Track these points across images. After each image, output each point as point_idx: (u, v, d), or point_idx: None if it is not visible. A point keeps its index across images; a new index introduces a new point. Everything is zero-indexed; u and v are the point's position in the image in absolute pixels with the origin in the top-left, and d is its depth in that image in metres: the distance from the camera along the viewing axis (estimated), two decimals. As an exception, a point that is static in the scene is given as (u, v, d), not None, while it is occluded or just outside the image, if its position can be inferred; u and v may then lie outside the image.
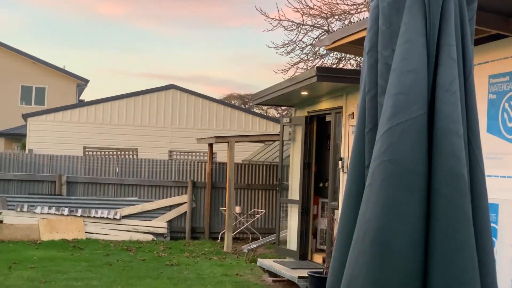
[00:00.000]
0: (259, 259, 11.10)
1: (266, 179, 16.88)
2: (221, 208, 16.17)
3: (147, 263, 12.06)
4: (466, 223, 2.04)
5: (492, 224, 6.68)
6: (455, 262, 2.02)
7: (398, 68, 2.13)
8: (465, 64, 2.21)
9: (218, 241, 15.66)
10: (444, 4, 2.12)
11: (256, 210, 16.34)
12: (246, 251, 12.85)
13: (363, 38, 8.22)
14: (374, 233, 2.05)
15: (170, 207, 16.36)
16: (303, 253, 10.80)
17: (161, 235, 15.80)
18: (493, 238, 6.55)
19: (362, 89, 2.31)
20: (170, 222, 16.16)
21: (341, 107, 9.75)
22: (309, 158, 10.87)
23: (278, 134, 15.16)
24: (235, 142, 14.56)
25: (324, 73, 8.96)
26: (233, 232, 14.75)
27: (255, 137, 16.72)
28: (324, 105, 10.37)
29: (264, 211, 16.30)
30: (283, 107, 37.65)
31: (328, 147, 11.03)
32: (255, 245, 12.92)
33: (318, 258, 10.64)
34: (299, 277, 9.30)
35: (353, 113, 9.31)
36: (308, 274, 9.02)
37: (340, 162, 9.57)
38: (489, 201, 6.64)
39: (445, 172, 2.06)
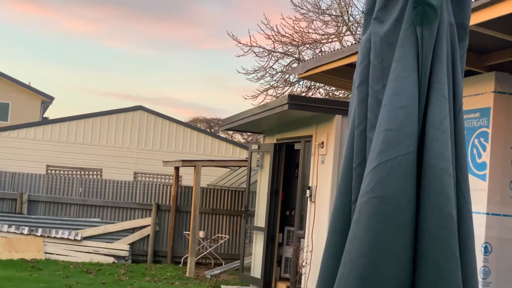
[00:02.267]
0: (222, 286, 10.98)
1: (231, 204, 16.79)
2: (184, 232, 16.01)
3: (108, 286, 11.84)
4: (454, 264, 2.00)
5: None
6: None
7: (389, 104, 2.10)
8: (455, 101, 2.19)
9: (181, 265, 15.48)
10: (437, 41, 2.10)
11: (220, 235, 16.21)
12: (209, 276, 12.71)
13: (335, 69, 8.28)
14: (360, 271, 2.00)
15: (133, 230, 16.14)
16: (267, 281, 10.72)
17: (123, 257, 15.56)
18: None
19: (351, 122, 2.27)
20: (132, 244, 15.93)
21: (311, 136, 9.75)
22: (276, 186, 10.83)
23: (245, 160, 15.13)
24: (202, 166, 14.47)
25: (296, 101, 8.96)
26: (196, 257, 14.60)
27: (222, 162, 16.65)
28: (294, 133, 10.36)
29: (228, 236, 16.18)
30: (249, 133, 37.76)
31: (296, 175, 11.01)
32: (218, 271, 12.79)
33: (282, 287, 10.56)
34: (263, 305, 9.21)
35: (322, 142, 9.32)
36: (272, 303, 8.94)
37: (308, 191, 9.55)
38: None
39: (434, 212, 2.03)
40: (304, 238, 9.67)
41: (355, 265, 2.01)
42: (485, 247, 6.53)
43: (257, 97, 16.52)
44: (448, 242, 2.03)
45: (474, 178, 6.62)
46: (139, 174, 18.98)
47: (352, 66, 8.16)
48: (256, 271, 11.09)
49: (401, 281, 2.00)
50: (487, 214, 6.71)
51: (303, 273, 9.15)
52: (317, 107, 9.03)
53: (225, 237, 16.01)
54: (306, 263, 9.08)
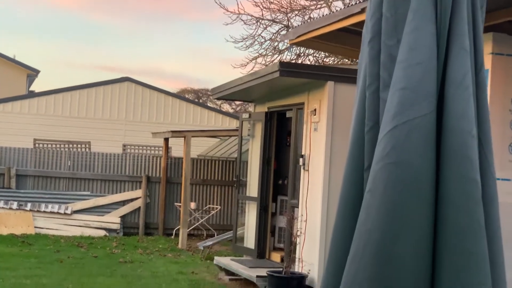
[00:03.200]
0: (215, 257, 10.84)
1: (222, 174, 16.62)
2: (176, 203, 15.85)
3: (100, 260, 11.69)
4: (479, 233, 1.82)
5: None
6: (468, 277, 1.80)
7: (404, 60, 1.90)
8: (477, 55, 1.99)
9: (173, 237, 15.34)
10: (457, -11, 1.91)
11: (211, 206, 16.07)
12: (202, 248, 12.58)
13: (327, 34, 8.05)
14: (376, 245, 1.82)
15: (124, 202, 15.97)
16: (260, 252, 10.58)
17: (114, 230, 15.41)
18: None
19: (361, 82, 2.08)
20: (123, 217, 15.78)
21: (302, 103, 9.54)
22: (268, 155, 10.65)
23: (236, 130, 14.92)
24: (192, 136, 14.26)
25: (287, 68, 8.74)
26: (188, 228, 14.45)
27: (212, 132, 16.44)
28: (285, 101, 10.15)
29: (220, 207, 16.04)
30: (238, 102, 37.41)
31: (288, 144, 10.82)
32: (210, 242, 12.65)
33: (276, 257, 10.43)
34: (257, 276, 9.07)
35: (315, 109, 9.12)
36: (267, 274, 8.80)
37: (301, 159, 9.37)
38: None
39: (456, 177, 1.85)
40: (297, 207, 9.52)
41: (372, 239, 1.83)
42: None
43: (246, 65, 16.30)
44: (473, 210, 1.85)
45: None
46: (128, 146, 18.74)
47: (344, 30, 7.94)
48: (250, 241, 10.95)
49: (422, 254, 1.82)
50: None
51: (297, 242, 9.01)
52: (308, 74, 8.82)
53: (216, 208, 15.86)
54: (300, 232, 8.93)
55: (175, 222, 15.85)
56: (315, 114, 9.12)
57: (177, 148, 17.69)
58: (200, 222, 15.52)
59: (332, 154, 8.85)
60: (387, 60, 1.96)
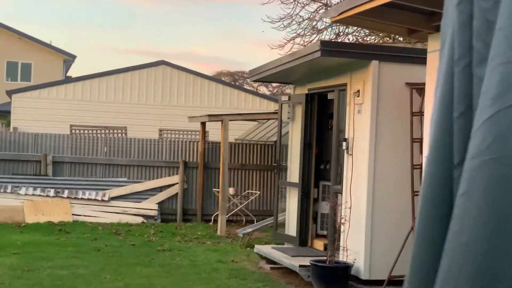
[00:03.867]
0: (256, 246, 10.49)
1: (260, 159, 16.25)
2: (213, 189, 15.55)
3: (137, 248, 11.44)
4: None
5: None
6: None
7: (506, 27, 1.48)
8: None
9: (211, 223, 15.05)
10: None
11: (250, 191, 15.72)
12: (242, 235, 12.25)
13: (372, 9, 7.57)
14: (478, 262, 1.42)
15: (161, 188, 15.71)
16: (303, 239, 10.21)
17: (152, 217, 15.17)
18: None
19: (447, 55, 1.66)
20: (160, 203, 15.52)
21: (345, 84, 9.10)
22: (309, 138, 10.24)
23: (274, 113, 14.52)
24: (229, 120, 13.90)
25: (329, 47, 8.30)
26: (226, 215, 14.13)
27: (250, 116, 16.04)
28: (327, 82, 9.72)
29: (259, 192, 15.67)
30: (274, 84, 36.95)
31: (330, 127, 10.40)
32: (250, 229, 12.31)
33: (319, 245, 10.05)
34: (300, 266, 8.70)
35: (358, 90, 8.67)
36: (311, 263, 8.43)
37: (344, 143, 8.94)
38: None
39: None
40: (341, 193, 9.11)
41: (470, 255, 1.43)
42: None
43: (284, 46, 15.83)
44: None
45: None
46: (164, 131, 18.47)
47: (390, 5, 7.46)
48: (291, 228, 10.58)
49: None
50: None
51: (342, 230, 8.60)
52: (351, 53, 8.37)
53: (255, 193, 15.50)
54: (345, 220, 8.52)
55: (213, 208, 15.55)
56: (358, 96, 8.67)
57: (214, 132, 17.36)
58: (239, 208, 15.19)
59: (378, 137, 8.42)
60: (483, 27, 1.55)
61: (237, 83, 37.26)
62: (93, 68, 71.08)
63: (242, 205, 15.22)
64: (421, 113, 8.37)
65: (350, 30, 14.93)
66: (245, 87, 32.31)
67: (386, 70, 8.44)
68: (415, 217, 8.28)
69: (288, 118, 10.87)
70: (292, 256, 9.36)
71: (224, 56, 70.16)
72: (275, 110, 16.74)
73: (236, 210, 15.16)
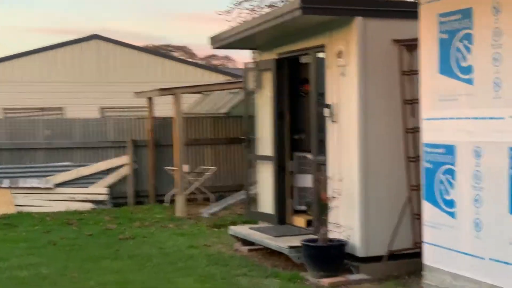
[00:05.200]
0: (231, 227, 9.66)
1: (212, 133, 15.36)
2: (166, 168, 14.59)
3: (96, 238, 10.46)
4: None
5: (449, 166, 6.39)
6: None
7: None
8: None
9: (167, 204, 14.11)
10: None
11: (205, 167, 14.82)
12: (207, 215, 11.38)
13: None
14: None
15: (109, 171, 14.67)
16: (281, 217, 9.43)
17: (102, 202, 14.13)
18: (452, 180, 6.38)
19: None
20: (110, 187, 14.48)
21: (322, 46, 8.29)
22: (281, 108, 9.42)
23: (231, 83, 13.71)
24: (182, 93, 12.93)
25: (311, 4, 7.44)
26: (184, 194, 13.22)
27: (205, 87, 15.02)
28: (299, 44, 8.88)
29: (215, 168, 14.78)
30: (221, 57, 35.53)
31: (303, 94, 9.62)
32: (217, 208, 11.48)
33: (299, 221, 9.29)
34: (290, 247, 7.93)
35: (341, 51, 7.88)
36: (302, 243, 7.67)
37: (326, 110, 8.16)
38: (445, 142, 6.54)
39: None
40: (325, 164, 8.35)
41: None
42: (476, 151, 6.18)
43: (230, 12, 14.86)
44: None
45: (459, 82, 6.33)
46: (106, 109, 17.31)
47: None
48: (266, 205, 9.78)
49: None
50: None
51: (333, 205, 7.85)
52: (335, 9, 7.54)
53: (212, 169, 14.61)
54: (338, 194, 7.77)
55: (166, 188, 14.62)
56: (341, 57, 7.88)
57: (160, 108, 16.30)
58: (195, 185, 14.28)
59: (367, 101, 7.67)
60: None
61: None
62: (6, 49, 67.81)
63: (199, 182, 14.32)
64: (411, 72, 7.66)
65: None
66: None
67: (371, 27, 7.66)
68: (411, 185, 7.62)
69: (255, 87, 10.00)
70: (276, 236, 8.58)
71: (146, 31, 68.21)
72: (226, 81, 15.88)
73: (192, 188, 14.25)
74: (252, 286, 7.26)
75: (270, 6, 14.45)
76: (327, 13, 7.57)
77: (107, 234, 10.77)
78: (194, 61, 27.48)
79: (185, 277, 7.69)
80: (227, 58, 54.23)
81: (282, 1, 13.96)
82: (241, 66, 36.28)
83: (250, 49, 10.90)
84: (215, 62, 49.66)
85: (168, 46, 49.74)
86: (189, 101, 18.64)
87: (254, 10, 14.33)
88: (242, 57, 65.19)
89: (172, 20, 67.89)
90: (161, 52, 23.93)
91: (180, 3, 71.71)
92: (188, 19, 60.77)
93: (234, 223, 11.29)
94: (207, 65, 25.30)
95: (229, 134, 15.33)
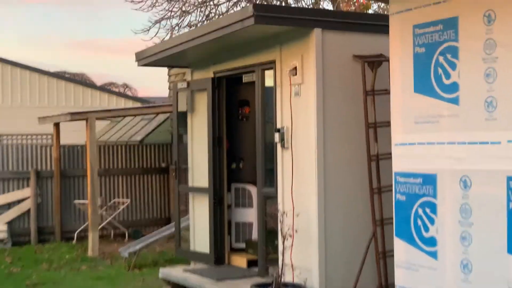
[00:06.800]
0: (161, 270, 8.42)
1: (126, 162, 14.03)
2: (75, 201, 13.12)
3: (-1, 285, 8.97)
4: None
5: (429, 198, 5.12)
6: None
7: None
8: None
9: (74, 242, 12.64)
10: None
11: (118, 200, 13.46)
12: (127, 255, 10.06)
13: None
14: None
15: (9, 205, 13.02)
16: (218, 256, 8.30)
17: (1, 241, 12.48)
18: (432, 215, 5.44)
19: None
20: (10, 223, 12.84)
21: (273, 62, 7.30)
22: (219, 132, 8.34)
23: (152, 106, 12.51)
24: (96, 119, 11.61)
25: (265, 12, 6.45)
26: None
27: (123, 112, 13.69)
28: (242, 61, 7.86)
29: (129, 200, 13.44)
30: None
31: (243, 118, 8.60)
32: (138, 247, 10.16)
33: (239, 261, 8.19)
34: (239, 293, 6.82)
35: (295, 68, 6.92)
36: (254, 289, 6.59)
37: (277, 135, 7.15)
38: (423, 171, 5.56)
39: None
40: (273, 197, 7.32)
41: None
42: (464, 181, 5.27)
43: (148, 30, 13.68)
44: None
45: (440, 102, 5.43)
46: (4, 136, 15.62)
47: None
48: (200, 243, 8.62)
49: None
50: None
51: (286, 245, 6.80)
52: (292, 19, 6.57)
53: (125, 202, 13.27)
54: (295, 231, 6.73)
55: (74, 223, 13.16)
56: (295, 74, 6.92)
57: (65, 135, 14.79)
58: (108, 220, 12.89)
59: (326, 125, 6.72)
60: None
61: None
62: None
63: (111, 216, 12.94)
64: (375, 92, 6.79)
65: None
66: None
67: (331, 40, 6.75)
68: (376, 219, 6.69)
69: (186, 110, 8.88)
70: (217, 280, 7.44)
71: (34, 59, 65.20)
72: (146, 105, 14.74)
73: (104, 223, 12.85)
74: None
75: (189, 25, 13.35)
76: (282, 23, 6.59)
77: (12, 279, 9.30)
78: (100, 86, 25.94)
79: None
80: (125, 85, 52.56)
81: (203, 22, 12.93)
82: (143, 95, 34.84)
83: (180, 66, 9.78)
84: (114, 89, 47.92)
85: (65, 72, 47.61)
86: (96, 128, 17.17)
87: (173, 29, 13.19)
88: (145, 85, 63.42)
89: (65, 48, 65.50)
90: (64, 76, 22.28)
91: (70, 31, 69.30)
92: (79, 47, 58.65)
93: (156, 263, 10.09)
94: (119, 92, 23.82)
95: (144, 163, 14.06)
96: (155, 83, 65.60)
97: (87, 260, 10.82)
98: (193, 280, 7.62)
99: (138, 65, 8.67)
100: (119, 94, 19.62)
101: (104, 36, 70.93)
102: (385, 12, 11.66)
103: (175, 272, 8.11)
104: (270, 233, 7.51)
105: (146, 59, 8.57)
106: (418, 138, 5.76)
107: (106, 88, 21.59)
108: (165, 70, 13.86)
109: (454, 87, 5.39)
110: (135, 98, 20.71)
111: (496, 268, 5.08)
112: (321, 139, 6.67)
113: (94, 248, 11.39)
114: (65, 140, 14.00)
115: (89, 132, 11.40)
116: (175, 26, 12.91)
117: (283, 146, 7.11)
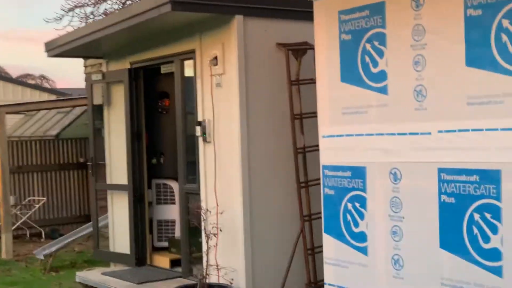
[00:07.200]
0: (78, 273, 7.95)
1: (40, 158, 13.36)
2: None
3: None
4: None
5: (358, 192, 4.66)
6: None
7: None
8: None
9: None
10: None
11: (33, 198, 12.81)
12: (43, 257, 9.51)
13: None
14: None
15: None
16: (139, 257, 7.88)
17: None
18: (362, 209, 5.25)
19: None
20: None
21: (192, 51, 6.93)
22: (138, 126, 7.92)
23: (68, 99, 11.92)
24: (7, 113, 10.96)
25: (183, -2, 6.07)
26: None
27: (35, 105, 12.97)
28: (160, 51, 7.45)
29: (45, 198, 12.81)
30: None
31: (162, 110, 8.19)
32: (54, 248, 9.63)
33: (162, 261, 7.81)
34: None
35: (216, 57, 6.56)
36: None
37: (198, 128, 6.79)
38: (352, 164, 5.37)
39: None
40: (196, 194, 6.97)
41: None
42: (394, 174, 5.04)
43: (61, 18, 13.03)
44: None
45: (369, 92, 5.17)
46: None
47: None
48: (119, 244, 8.19)
49: None
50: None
51: (210, 244, 6.46)
52: (213, 6, 6.21)
53: (41, 200, 12.64)
54: (220, 229, 6.39)
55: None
56: (216, 64, 6.57)
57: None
58: (22, 220, 12.24)
59: (250, 117, 6.41)
60: None
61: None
62: None
63: (26, 216, 12.29)
64: (300, 82, 6.51)
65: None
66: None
67: (253, 27, 6.43)
68: (304, 215, 6.43)
69: (102, 103, 8.41)
70: (138, 283, 7.03)
71: None
72: (60, 97, 14.08)
73: (19, 223, 12.20)
74: None
75: (105, 13, 12.79)
76: (201, 10, 6.22)
77: None
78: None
79: None
80: (43, 77, 51.01)
81: (117, 9, 12.41)
82: (62, 86, 33.73)
83: (95, 57, 9.28)
84: (31, 81, 46.38)
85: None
86: (9, 123, 16.36)
87: (88, 17, 12.61)
88: (64, 77, 61.63)
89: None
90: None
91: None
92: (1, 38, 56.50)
93: (74, 265, 9.60)
94: (35, 84, 22.83)
95: (60, 159, 13.43)
96: (74, 74, 63.84)
97: (1, 263, 10.21)
98: (112, 283, 7.18)
99: (48, 55, 8.13)
100: (34, 87, 18.75)
101: (27, 26, 68.66)
102: None
103: (93, 276, 7.65)
104: (193, 231, 7.15)
105: (57, 49, 8.04)
106: (346, 130, 5.50)
107: (19, 80, 20.62)
108: (82, 61, 13.29)
109: (382, 75, 5.15)
110: (52, 91, 19.87)
111: (428, 263, 4.89)
112: (245, 132, 6.36)
113: (8, 250, 10.78)
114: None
115: (0, 127, 10.73)
116: (90, 15, 12.31)
117: (205, 140, 6.76)
